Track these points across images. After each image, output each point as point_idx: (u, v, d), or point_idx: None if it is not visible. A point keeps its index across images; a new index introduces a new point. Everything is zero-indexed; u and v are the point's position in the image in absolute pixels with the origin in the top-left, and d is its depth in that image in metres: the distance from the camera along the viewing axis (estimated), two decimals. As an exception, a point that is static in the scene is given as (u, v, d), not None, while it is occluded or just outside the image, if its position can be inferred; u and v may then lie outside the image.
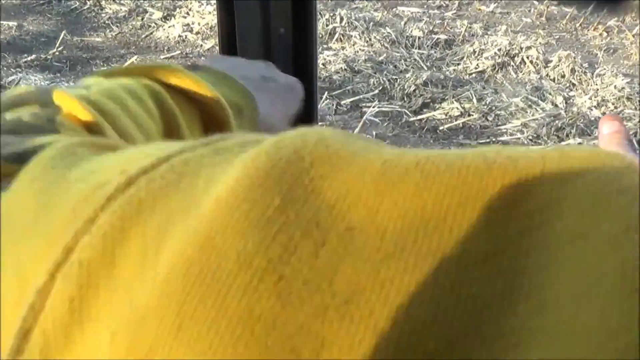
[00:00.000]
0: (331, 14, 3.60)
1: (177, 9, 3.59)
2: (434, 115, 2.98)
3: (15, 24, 3.38)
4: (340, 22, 3.55)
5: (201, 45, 3.39)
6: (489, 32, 3.67)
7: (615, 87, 3.14)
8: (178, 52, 3.35)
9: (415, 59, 3.36)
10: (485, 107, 3.03)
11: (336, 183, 0.20)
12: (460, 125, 2.93)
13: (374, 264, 0.18)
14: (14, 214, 0.24)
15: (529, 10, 3.94)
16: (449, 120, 2.96)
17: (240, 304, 0.17)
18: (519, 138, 2.83)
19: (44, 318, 0.21)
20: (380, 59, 3.35)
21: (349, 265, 0.18)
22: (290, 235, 0.18)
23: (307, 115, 0.63)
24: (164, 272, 0.19)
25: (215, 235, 0.18)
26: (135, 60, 3.12)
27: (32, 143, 0.28)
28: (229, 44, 0.66)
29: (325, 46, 3.44)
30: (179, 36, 3.47)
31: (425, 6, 3.88)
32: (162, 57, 3.29)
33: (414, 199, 0.19)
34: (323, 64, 3.28)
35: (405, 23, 3.70)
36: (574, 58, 3.36)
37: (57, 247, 0.22)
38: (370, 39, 3.50)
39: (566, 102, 3.06)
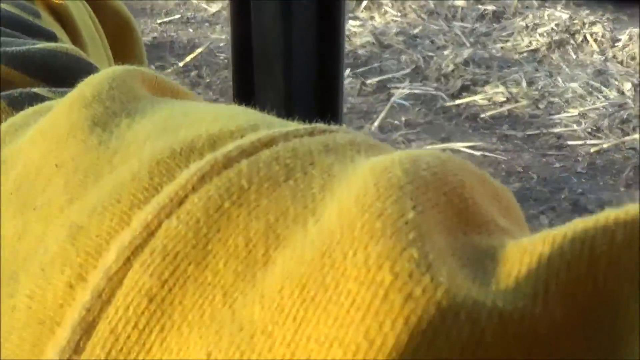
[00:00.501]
0: (359, -22, 3.61)
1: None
2: (474, 101, 3.00)
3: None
4: (369, -13, 3.56)
5: (205, 10, 3.43)
6: (546, 4, 3.65)
7: (694, 73, 3.11)
8: (178, 16, 3.39)
9: (456, 34, 3.36)
10: (536, 92, 3.04)
11: None
12: (506, 113, 2.94)
13: None
14: (62, 147, 0.22)
15: (595, -20, 3.92)
16: (493, 106, 2.97)
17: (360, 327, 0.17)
18: (575, 130, 2.84)
19: (113, 312, 0.19)
20: (415, 32, 3.36)
21: None
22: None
23: (331, 97, 0.64)
24: (278, 284, 0.18)
25: (336, 248, 0.18)
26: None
27: (36, 46, 0.28)
28: (241, 10, 0.67)
29: (350, 15, 3.46)
30: (180, -2, 3.51)
31: (470, -28, 3.88)
32: (159, 21, 3.33)
33: None
34: (347, 36, 3.30)
35: (446, -9, 3.70)
36: (647, 37, 3.32)
37: (133, 222, 0.21)
38: (404, 8, 3.51)
39: (635, 90, 3.04)
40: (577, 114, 2.93)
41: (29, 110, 0.25)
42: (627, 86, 3.00)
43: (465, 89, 3.01)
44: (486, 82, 3.04)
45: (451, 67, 3.09)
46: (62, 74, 0.28)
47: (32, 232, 0.21)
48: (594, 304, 0.18)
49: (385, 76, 3.07)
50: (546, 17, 3.44)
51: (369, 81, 3.02)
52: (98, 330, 0.19)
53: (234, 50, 0.83)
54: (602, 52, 3.27)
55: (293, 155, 0.21)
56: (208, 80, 2.96)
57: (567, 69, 3.15)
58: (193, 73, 3.01)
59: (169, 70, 2.99)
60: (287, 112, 0.89)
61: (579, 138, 2.81)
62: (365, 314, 0.17)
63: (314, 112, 0.84)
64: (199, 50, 3.11)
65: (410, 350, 0.17)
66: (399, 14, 3.45)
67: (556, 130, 2.86)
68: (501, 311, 0.18)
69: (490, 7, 3.54)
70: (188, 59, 3.07)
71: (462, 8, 3.50)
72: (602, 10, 3.56)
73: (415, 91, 2.99)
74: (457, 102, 2.97)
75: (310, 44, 0.60)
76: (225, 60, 3.01)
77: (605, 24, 3.42)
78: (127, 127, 0.22)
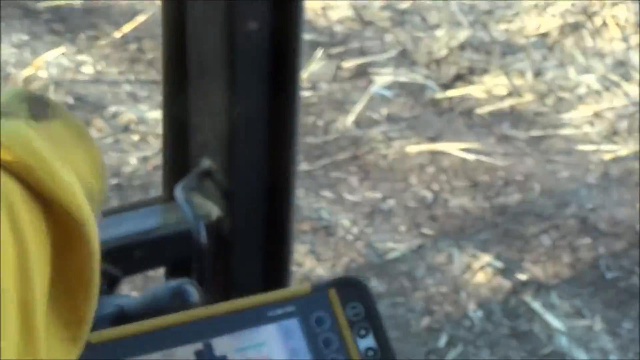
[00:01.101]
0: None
1: None
2: (470, 93, 3.06)
3: None
4: (350, -50, 3.57)
5: None
6: (559, -20, 3.67)
7: None
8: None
9: (452, 11, 3.38)
10: (544, 85, 3.09)
11: None
12: (507, 109, 3.00)
13: None
14: None
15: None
16: (492, 101, 3.03)
17: None
18: (588, 133, 2.91)
19: None
20: (404, 7, 3.38)
21: None
22: None
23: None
24: None
25: None
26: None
27: None
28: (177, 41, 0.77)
29: (326, -17, 3.47)
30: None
31: (471, -64, 3.92)
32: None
33: None
34: (322, 9, 3.31)
35: (441, -42, 3.73)
36: (676, 25, 3.34)
37: None
38: (390, -22, 3.53)
39: (661, 87, 3.07)
40: (590, 113, 2.99)
41: None
42: (652, 82, 3.03)
43: (459, 79, 3.06)
44: (485, 71, 3.08)
45: (444, 51, 3.13)
46: None
47: None
48: None
49: (366, 59, 3.10)
50: (559, -5, 3.44)
51: (345, 64, 3.06)
52: None
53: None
54: (625, 39, 3.28)
55: None
56: (150, 56, 2.99)
57: (581, 59, 3.19)
58: (133, 46, 3.04)
59: (104, 42, 3.02)
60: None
61: (592, 142, 2.88)
62: None
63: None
64: (141, 18, 3.12)
65: None
66: (385, -16, 3.45)
67: (565, 132, 2.92)
68: None
69: (494, -19, 3.56)
70: (127, 28, 3.09)
71: (460, -20, 3.52)
72: (626, -12, 3.58)
73: (401, 79, 3.03)
74: (450, 94, 3.01)
75: (261, 83, 0.71)
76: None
77: (630, 4, 3.42)
78: None
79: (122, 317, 0.87)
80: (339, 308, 0.83)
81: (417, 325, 2.26)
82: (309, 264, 2.41)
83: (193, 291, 0.84)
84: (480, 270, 2.41)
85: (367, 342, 0.82)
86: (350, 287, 0.84)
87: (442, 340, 2.23)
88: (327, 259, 2.43)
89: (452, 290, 2.36)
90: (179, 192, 0.97)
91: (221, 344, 0.78)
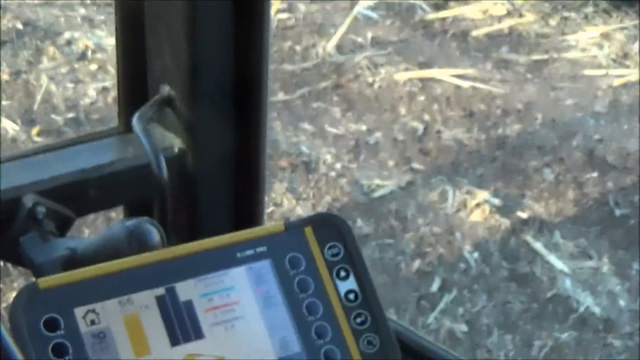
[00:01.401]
0: None
1: None
2: (464, 14, 3.04)
3: None
4: None
5: None
6: None
7: None
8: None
9: None
10: (547, 5, 3.09)
11: None
12: (506, 30, 2.99)
13: None
14: None
15: None
16: (489, 22, 3.02)
17: None
18: (596, 57, 2.91)
19: None
20: None
21: None
22: None
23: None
24: None
25: None
26: None
27: None
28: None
29: None
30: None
31: None
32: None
33: None
34: None
35: None
36: None
37: None
38: None
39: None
40: (598, 34, 2.99)
41: None
42: (667, -2, 3.03)
43: (453, -3, 3.04)
44: (481, -11, 3.07)
45: (436, -34, 3.11)
46: None
47: None
48: None
49: (348, -24, 3.08)
50: None
51: (326, -18, 3.04)
52: None
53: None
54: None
55: None
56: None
57: (588, -26, 3.18)
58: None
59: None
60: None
61: (600, 67, 2.88)
62: None
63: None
64: None
65: None
66: None
67: (570, 55, 2.92)
68: None
69: None
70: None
71: None
72: None
73: (388, -2, 3.02)
74: (442, 14, 3.00)
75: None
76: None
77: None
78: None
79: (74, 260, 0.87)
80: (316, 248, 0.83)
81: (408, 269, 2.27)
82: (287, 203, 2.41)
83: (153, 231, 0.83)
84: (477, 208, 2.42)
85: (348, 284, 0.82)
86: (328, 225, 0.84)
87: (435, 285, 2.24)
88: (307, 197, 2.43)
89: (446, 230, 2.37)
90: (136, 122, 0.96)
91: (185, 289, 0.78)
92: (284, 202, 2.40)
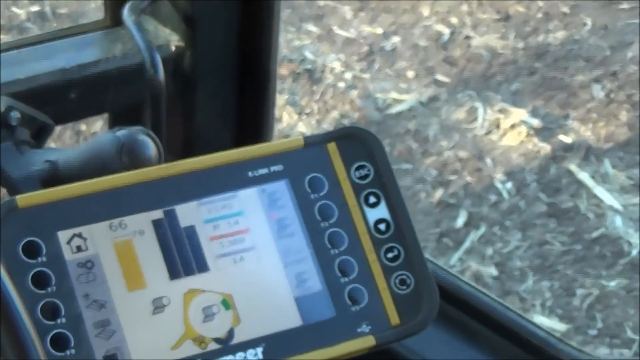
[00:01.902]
0: None
1: None
2: None
3: None
4: None
5: None
6: None
7: None
8: None
9: None
10: None
11: None
12: None
13: None
14: None
15: None
16: None
17: None
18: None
19: None
20: None
21: None
22: None
23: None
24: None
25: None
26: None
27: None
28: None
29: None
30: None
31: None
32: None
33: None
34: None
35: None
36: None
37: None
38: None
39: None
40: None
41: None
42: None
43: None
44: None
45: None
46: None
47: None
48: None
49: None
50: None
51: None
52: None
53: None
54: None
55: None
56: None
57: None
58: None
59: None
60: None
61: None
62: None
63: None
64: None
65: None
66: None
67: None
68: None
69: None
70: None
71: None
72: None
73: None
74: None
75: None
76: None
77: None
78: None
79: (54, 176, 0.87)
80: (341, 168, 0.83)
81: (428, 200, 2.28)
82: (287, 119, 2.41)
83: (148, 143, 0.83)
84: (511, 130, 2.42)
85: (378, 212, 0.83)
86: (356, 141, 0.84)
87: (460, 220, 2.26)
88: (311, 112, 2.43)
89: (474, 155, 2.38)
90: (127, 14, 0.95)
91: (187, 212, 0.79)
92: (283, 117, 2.41)
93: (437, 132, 2.43)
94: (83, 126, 2.47)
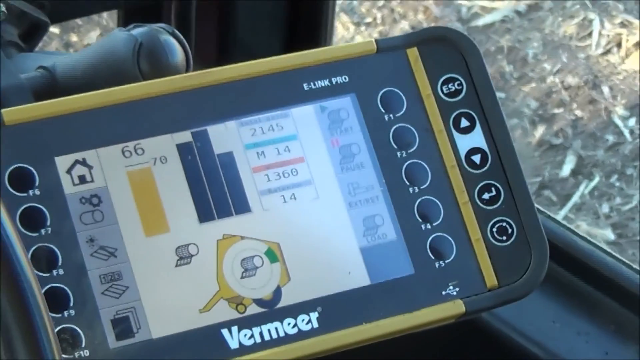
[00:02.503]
0: None
1: None
2: None
3: None
4: None
5: None
6: None
7: None
8: None
9: None
10: None
11: None
12: None
13: None
14: None
15: None
16: None
17: None
18: None
19: None
20: None
21: None
22: None
23: None
24: None
25: None
26: None
27: None
28: None
29: None
30: None
31: None
32: None
33: None
34: None
35: None
36: None
37: None
38: None
39: None
40: None
41: None
42: None
43: None
44: None
45: None
46: None
47: None
48: None
49: None
50: None
51: None
52: None
53: None
54: None
55: None
56: None
57: None
58: None
59: None
60: None
61: None
62: None
63: None
64: None
65: None
66: None
67: None
68: None
69: None
70: None
71: None
72: None
73: None
74: None
75: None
76: None
77: None
78: None
79: (51, 87, 0.87)
80: (424, 81, 0.83)
81: (526, 140, 2.28)
82: (341, 31, 2.41)
83: (173, 44, 0.83)
84: (636, 50, 2.41)
85: (472, 140, 0.83)
86: (445, 46, 0.84)
87: (567, 167, 2.26)
88: (374, 22, 2.43)
89: (587, 82, 2.37)
90: None
91: (222, 135, 0.79)
92: (338, 28, 2.41)
93: (539, 51, 2.42)
94: (74, 36, 2.48)
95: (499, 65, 2.38)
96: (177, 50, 0.84)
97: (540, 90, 2.35)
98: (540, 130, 2.30)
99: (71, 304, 0.74)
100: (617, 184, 2.24)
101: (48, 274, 0.74)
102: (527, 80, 2.37)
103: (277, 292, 0.78)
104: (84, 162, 0.76)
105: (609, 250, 1.11)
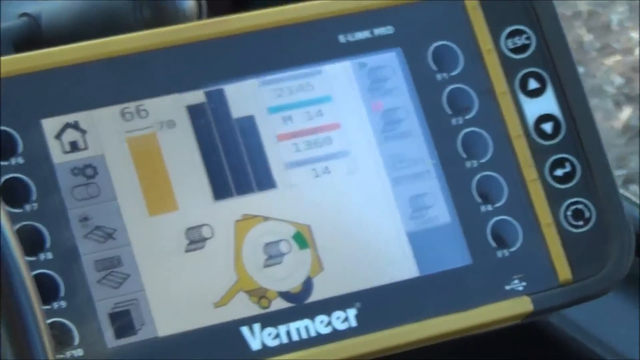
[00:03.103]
0: None
1: None
2: None
3: None
4: None
5: None
6: None
7: None
8: None
9: None
10: None
11: None
12: None
13: None
14: None
15: None
16: None
17: None
18: None
19: None
20: None
21: None
22: None
23: None
24: None
25: None
26: None
27: None
28: None
29: None
30: None
31: None
32: None
33: None
34: None
35: None
36: None
37: None
38: None
39: None
40: None
41: None
42: None
43: None
44: None
45: None
46: None
47: None
48: None
49: None
50: None
51: None
52: None
53: None
54: None
55: None
56: None
57: None
58: None
59: None
60: None
61: None
62: None
63: None
64: None
65: None
66: None
67: None
68: None
69: None
70: None
71: None
72: None
73: None
74: None
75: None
76: None
77: None
78: None
79: (35, 37, 0.88)
80: (485, 34, 0.85)
81: (608, 124, 2.28)
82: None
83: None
84: None
85: (542, 104, 0.85)
86: None
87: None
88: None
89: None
90: None
91: (242, 96, 0.81)
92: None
93: (624, 17, 2.44)
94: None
95: (577, 33, 2.40)
96: (187, -5, 0.85)
97: (626, 64, 2.36)
98: (626, 113, 2.31)
99: (61, 295, 0.76)
100: None
101: (34, 258, 0.76)
102: (611, 52, 2.38)
103: (308, 284, 0.79)
104: (76, 126, 0.78)
105: None
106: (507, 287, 0.82)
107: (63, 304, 0.76)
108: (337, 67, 0.83)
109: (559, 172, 0.84)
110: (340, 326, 0.79)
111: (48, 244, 0.76)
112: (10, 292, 0.63)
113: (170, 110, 0.80)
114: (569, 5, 2.40)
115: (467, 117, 0.84)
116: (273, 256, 0.80)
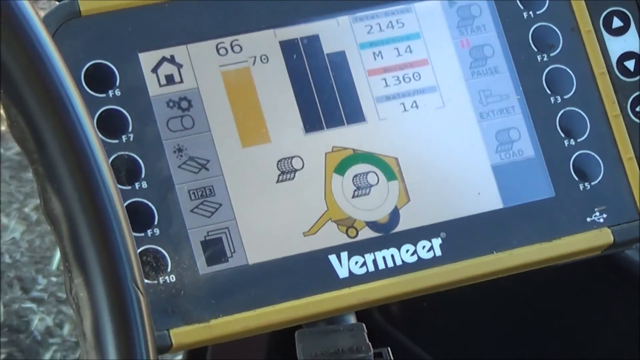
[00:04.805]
0: None
1: None
2: None
3: None
4: None
5: None
6: None
7: None
8: None
9: None
10: None
11: None
12: None
13: None
14: None
15: None
16: None
17: None
18: None
19: None
20: None
21: None
22: None
23: None
24: None
25: None
26: None
27: None
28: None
29: None
30: None
31: None
32: None
33: None
34: None
35: None
36: None
37: None
38: None
39: None
40: None
41: None
42: None
43: None
44: None
45: None
46: None
47: None
48: None
49: None
50: None
51: None
52: None
53: None
54: None
55: None
56: None
57: None
58: None
59: None
60: None
61: None
62: None
63: None
64: None
65: None
66: None
67: None
68: None
69: None
70: None
71: None
72: None
73: None
74: None
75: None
76: None
77: None
78: None
79: None
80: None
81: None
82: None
83: None
84: None
85: (626, 42, 0.81)
86: None
87: None
88: None
89: None
90: None
91: (333, 32, 0.78)
92: None
93: None
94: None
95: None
96: None
97: None
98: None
99: (155, 222, 0.74)
100: None
101: (129, 187, 0.73)
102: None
103: (394, 215, 0.77)
104: (172, 60, 0.76)
105: None
106: (589, 219, 0.79)
107: (157, 231, 0.73)
108: (427, 4, 0.80)
109: (641, 108, 0.80)
110: (426, 255, 0.76)
111: (143, 173, 0.74)
112: (104, 220, 0.58)
113: (264, 46, 0.78)
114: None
115: (552, 54, 0.81)
116: (361, 187, 0.77)
